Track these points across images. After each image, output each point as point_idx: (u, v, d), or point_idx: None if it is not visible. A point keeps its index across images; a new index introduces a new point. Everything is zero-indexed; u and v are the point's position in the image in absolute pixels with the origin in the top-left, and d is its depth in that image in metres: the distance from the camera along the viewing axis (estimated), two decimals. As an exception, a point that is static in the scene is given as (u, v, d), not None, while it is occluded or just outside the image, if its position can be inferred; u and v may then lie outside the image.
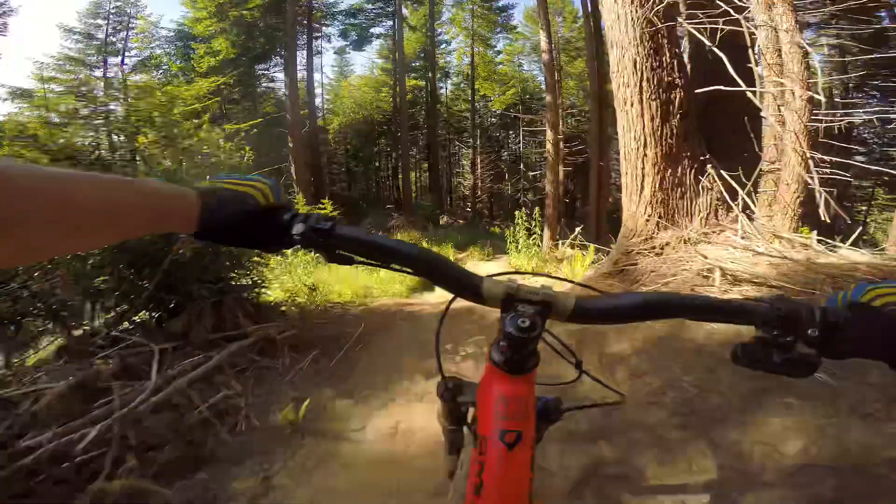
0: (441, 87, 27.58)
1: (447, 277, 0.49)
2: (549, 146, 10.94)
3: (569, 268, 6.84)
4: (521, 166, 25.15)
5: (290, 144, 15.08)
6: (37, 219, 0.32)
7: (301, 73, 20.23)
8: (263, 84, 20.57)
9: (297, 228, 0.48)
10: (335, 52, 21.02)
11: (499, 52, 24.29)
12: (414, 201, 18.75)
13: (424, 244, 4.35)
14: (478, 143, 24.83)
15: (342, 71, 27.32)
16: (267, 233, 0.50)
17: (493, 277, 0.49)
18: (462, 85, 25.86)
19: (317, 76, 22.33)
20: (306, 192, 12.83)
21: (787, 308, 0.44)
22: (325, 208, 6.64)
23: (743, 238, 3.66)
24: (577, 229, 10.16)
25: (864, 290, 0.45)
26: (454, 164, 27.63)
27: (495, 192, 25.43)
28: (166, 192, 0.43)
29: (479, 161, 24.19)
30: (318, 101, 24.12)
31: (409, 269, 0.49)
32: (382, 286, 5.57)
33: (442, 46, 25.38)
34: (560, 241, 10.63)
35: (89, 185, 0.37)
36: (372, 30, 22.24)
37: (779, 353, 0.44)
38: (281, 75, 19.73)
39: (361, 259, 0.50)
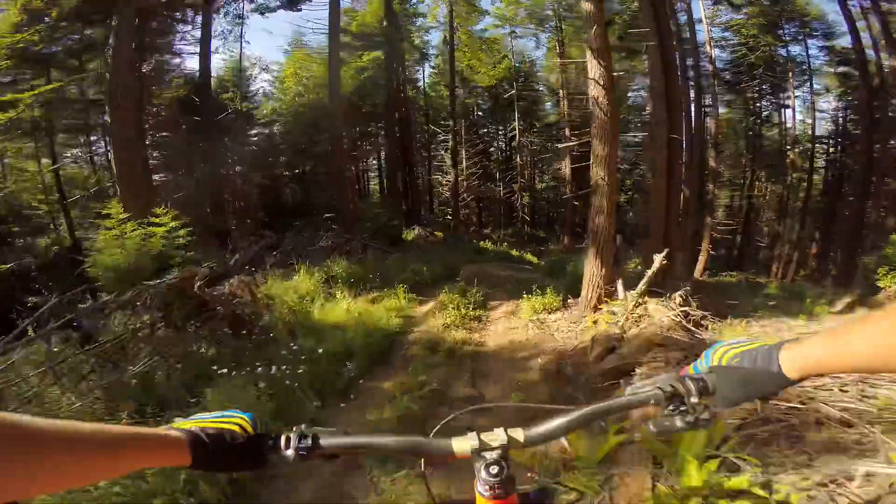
0: (418, 70, 22.29)
1: (424, 453, 0.64)
2: (595, 130, 5.48)
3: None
4: (518, 159, 19.68)
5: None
6: (49, 466, 0.40)
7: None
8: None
9: (288, 454, 0.60)
10: (255, 12, 14.93)
11: (485, 14, 18.74)
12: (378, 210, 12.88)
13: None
14: (461, 128, 19.23)
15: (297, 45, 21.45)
16: (253, 458, 0.61)
17: (461, 437, 0.62)
18: (443, 65, 20.44)
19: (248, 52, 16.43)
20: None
21: (672, 388, 0.61)
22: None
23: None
24: (659, 259, 4.86)
25: (710, 354, 0.64)
26: (436, 163, 22.07)
27: (484, 196, 20.04)
28: (159, 434, 0.54)
29: (463, 153, 18.67)
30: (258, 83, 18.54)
31: (394, 456, 0.71)
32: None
33: (419, 23, 19.95)
34: (620, 283, 5.21)
35: (93, 433, 0.46)
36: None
37: (681, 418, 0.60)
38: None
39: (344, 451, 0.63)
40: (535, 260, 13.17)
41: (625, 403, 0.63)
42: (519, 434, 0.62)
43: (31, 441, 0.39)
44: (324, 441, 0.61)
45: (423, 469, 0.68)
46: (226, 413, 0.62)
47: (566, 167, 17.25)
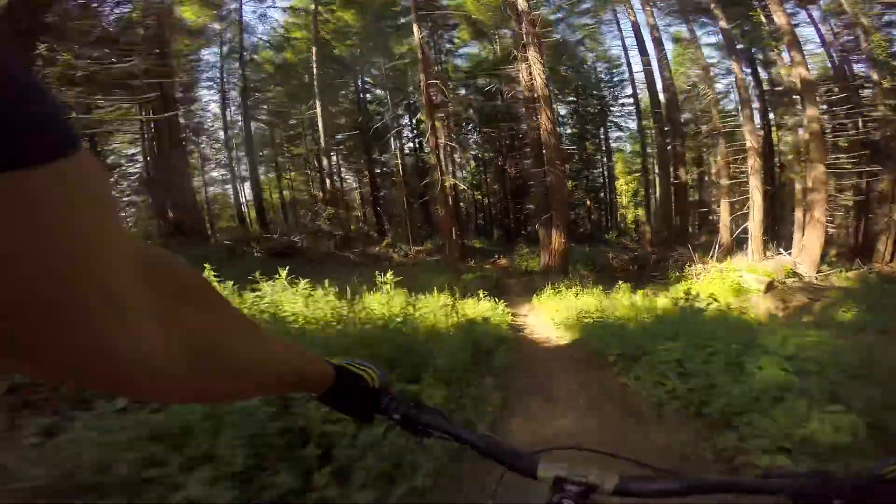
0: None
1: (507, 458, 0.59)
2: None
3: None
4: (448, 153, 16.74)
5: None
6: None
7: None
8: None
9: (396, 415, 0.63)
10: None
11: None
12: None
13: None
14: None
15: None
16: (366, 411, 0.64)
17: (550, 459, 0.58)
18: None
19: None
20: None
21: (816, 486, 0.49)
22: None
23: None
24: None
25: (885, 466, 0.48)
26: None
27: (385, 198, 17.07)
28: (316, 364, 0.57)
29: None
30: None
31: (475, 450, 0.61)
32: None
33: None
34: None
35: (266, 344, 0.45)
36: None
37: None
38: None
39: (439, 435, 0.63)
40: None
41: (755, 485, 0.53)
42: (610, 480, 0.54)
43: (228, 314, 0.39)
44: (424, 417, 0.63)
45: (501, 477, 0.64)
46: (365, 363, 0.65)
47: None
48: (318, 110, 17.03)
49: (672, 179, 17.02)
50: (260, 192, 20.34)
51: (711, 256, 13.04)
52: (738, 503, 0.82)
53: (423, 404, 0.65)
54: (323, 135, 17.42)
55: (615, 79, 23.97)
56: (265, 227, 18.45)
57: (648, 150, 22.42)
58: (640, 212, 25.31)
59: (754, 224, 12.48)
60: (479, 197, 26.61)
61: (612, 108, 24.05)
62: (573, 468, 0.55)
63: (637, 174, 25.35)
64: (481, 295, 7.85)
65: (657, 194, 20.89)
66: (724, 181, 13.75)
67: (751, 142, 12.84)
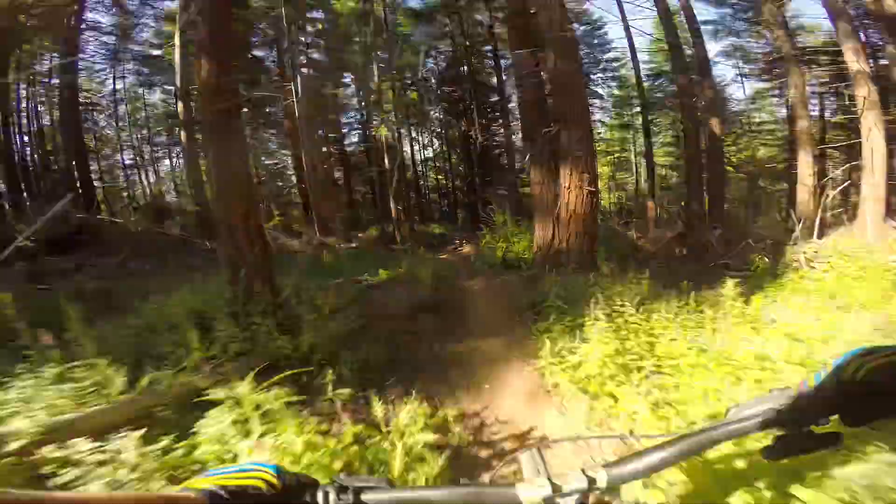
0: None
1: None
2: None
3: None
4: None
5: None
6: None
7: None
8: None
9: None
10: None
11: None
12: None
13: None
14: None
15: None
16: None
17: (524, 484, 0.50)
18: None
19: None
20: None
21: (787, 408, 0.50)
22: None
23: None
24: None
25: (842, 365, 0.48)
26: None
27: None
28: (171, 497, 0.44)
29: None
30: None
31: None
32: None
33: None
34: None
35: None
36: None
37: (801, 441, 0.49)
38: None
39: None
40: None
41: (733, 430, 0.51)
42: (600, 475, 0.50)
43: None
44: (366, 497, 0.51)
45: None
46: (246, 466, 0.50)
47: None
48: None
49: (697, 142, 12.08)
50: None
51: (794, 236, 8.01)
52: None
53: (360, 479, 0.52)
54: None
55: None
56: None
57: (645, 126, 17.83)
58: (668, 173, 20.12)
59: (873, 183, 7.60)
60: (444, 181, 22.51)
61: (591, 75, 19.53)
62: (554, 479, 0.49)
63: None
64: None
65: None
66: (803, 122, 8.89)
67: (858, 63, 7.96)
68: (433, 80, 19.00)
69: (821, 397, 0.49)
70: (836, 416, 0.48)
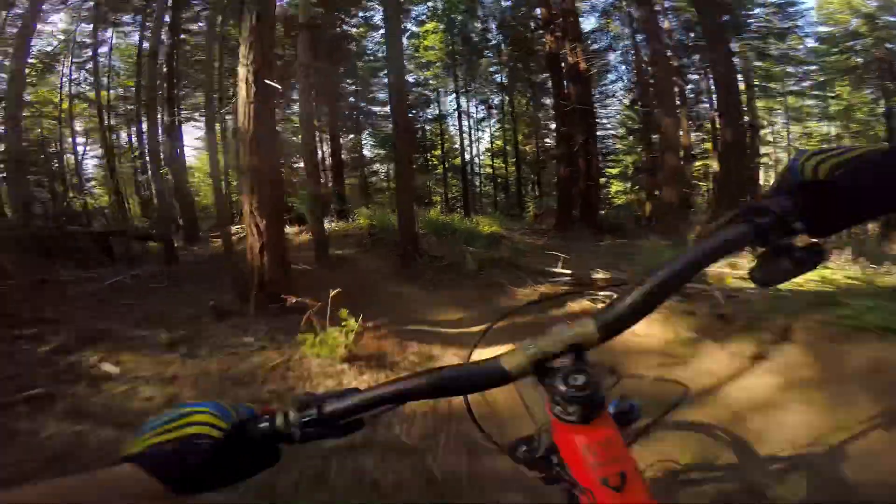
0: None
1: (466, 385, 0.45)
2: None
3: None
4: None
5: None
6: None
7: None
8: None
9: (292, 435, 0.44)
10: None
11: None
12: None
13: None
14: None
15: None
16: (251, 456, 0.44)
17: (511, 353, 0.44)
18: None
19: None
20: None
21: (770, 216, 0.43)
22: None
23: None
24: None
25: (800, 167, 0.44)
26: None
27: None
28: (107, 474, 0.39)
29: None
30: None
31: (427, 397, 0.45)
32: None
33: None
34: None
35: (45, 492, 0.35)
36: None
37: (788, 257, 0.43)
38: None
39: (373, 413, 0.45)
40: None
41: (718, 247, 0.43)
42: (588, 326, 0.43)
43: None
44: (330, 406, 0.44)
45: (468, 408, 0.55)
46: (179, 411, 0.43)
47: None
48: None
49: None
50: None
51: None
52: None
53: (320, 395, 0.45)
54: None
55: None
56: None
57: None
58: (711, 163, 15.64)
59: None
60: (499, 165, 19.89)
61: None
62: (539, 340, 0.43)
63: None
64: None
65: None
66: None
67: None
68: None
69: (785, 201, 0.43)
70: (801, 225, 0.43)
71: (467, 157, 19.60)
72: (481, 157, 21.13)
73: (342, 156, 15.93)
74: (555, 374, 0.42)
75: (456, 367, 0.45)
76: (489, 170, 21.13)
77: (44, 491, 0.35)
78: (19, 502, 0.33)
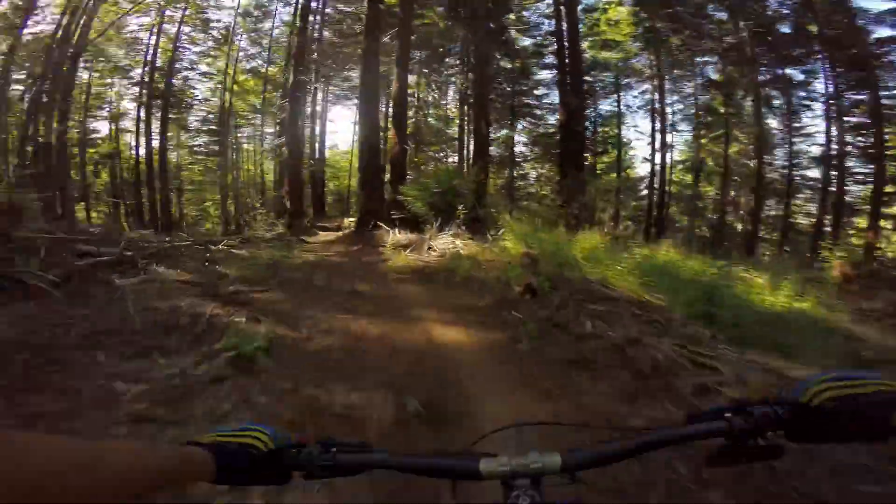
0: None
1: (447, 470, 0.55)
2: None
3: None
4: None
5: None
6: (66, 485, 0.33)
7: None
8: None
9: (316, 465, 0.55)
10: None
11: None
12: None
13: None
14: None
15: None
16: (276, 473, 0.56)
17: (490, 458, 0.53)
18: None
19: None
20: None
21: (745, 421, 0.49)
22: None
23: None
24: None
25: (805, 387, 0.48)
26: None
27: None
28: (180, 455, 0.49)
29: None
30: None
31: (415, 473, 0.56)
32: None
33: None
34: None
35: (112, 452, 0.40)
36: None
37: (747, 453, 0.49)
38: None
39: (372, 468, 0.56)
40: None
41: (689, 433, 0.53)
42: (554, 459, 0.52)
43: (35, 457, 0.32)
44: (342, 457, 0.56)
45: (454, 492, 0.60)
46: (245, 426, 0.58)
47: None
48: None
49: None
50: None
51: None
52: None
53: (341, 443, 0.57)
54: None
55: None
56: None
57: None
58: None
59: None
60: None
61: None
62: (516, 455, 0.52)
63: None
64: None
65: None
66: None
67: None
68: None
69: (774, 415, 0.49)
70: (782, 432, 0.49)
71: (652, 166, 14.81)
72: (672, 172, 15.91)
73: (489, 148, 12.92)
74: (513, 490, 0.50)
75: (445, 460, 0.56)
76: (676, 187, 15.85)
77: (119, 447, 0.43)
78: (101, 456, 0.38)
